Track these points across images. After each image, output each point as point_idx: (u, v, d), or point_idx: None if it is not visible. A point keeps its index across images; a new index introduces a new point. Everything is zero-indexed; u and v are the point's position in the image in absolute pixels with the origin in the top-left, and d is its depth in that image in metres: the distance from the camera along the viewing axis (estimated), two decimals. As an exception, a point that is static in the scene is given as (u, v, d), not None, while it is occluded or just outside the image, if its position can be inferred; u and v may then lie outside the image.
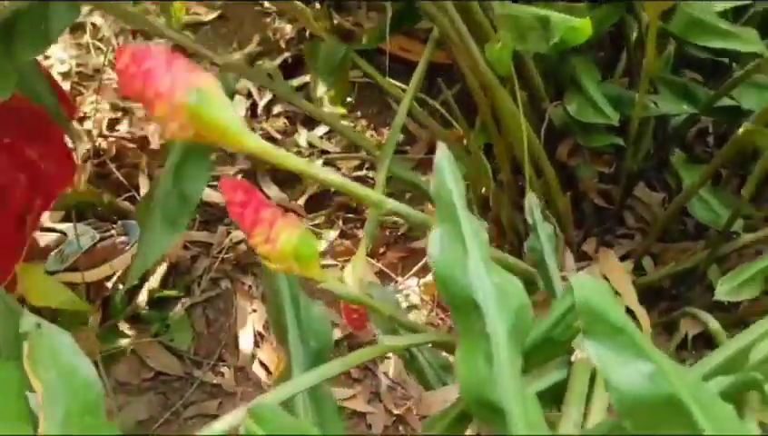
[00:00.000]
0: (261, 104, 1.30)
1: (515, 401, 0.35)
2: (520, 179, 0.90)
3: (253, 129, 1.24)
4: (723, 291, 0.69)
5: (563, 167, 0.99)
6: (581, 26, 0.65)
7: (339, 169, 1.22)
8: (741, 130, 0.71)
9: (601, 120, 0.82)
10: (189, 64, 0.35)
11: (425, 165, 1.18)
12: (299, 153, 1.21)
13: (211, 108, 0.34)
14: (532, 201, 0.71)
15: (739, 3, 0.81)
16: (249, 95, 1.31)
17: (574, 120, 0.86)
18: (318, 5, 1.24)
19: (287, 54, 1.34)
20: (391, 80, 0.99)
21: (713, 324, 0.74)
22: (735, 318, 0.83)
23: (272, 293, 0.52)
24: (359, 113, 1.29)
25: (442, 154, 0.43)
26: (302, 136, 1.26)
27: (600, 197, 1.02)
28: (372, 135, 1.27)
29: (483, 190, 0.98)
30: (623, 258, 1.00)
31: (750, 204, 0.81)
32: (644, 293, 0.95)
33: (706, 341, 0.88)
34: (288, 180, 1.19)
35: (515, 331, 0.38)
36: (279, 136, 1.26)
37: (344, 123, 1.24)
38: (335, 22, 1.29)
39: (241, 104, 1.29)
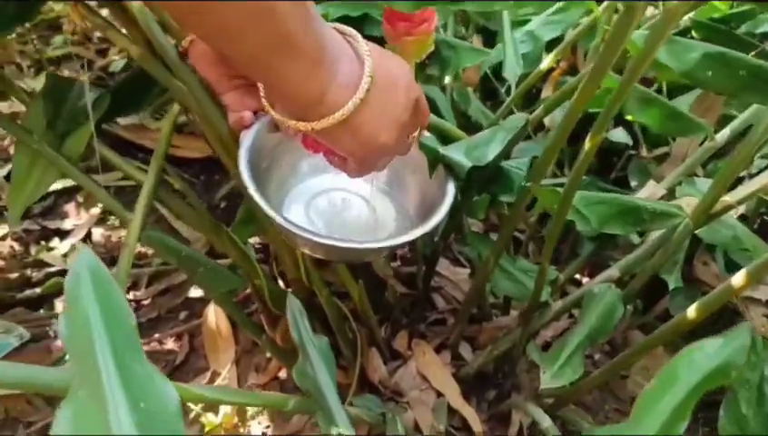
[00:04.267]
0: None
1: None
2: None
3: None
4: (547, 379, 0.57)
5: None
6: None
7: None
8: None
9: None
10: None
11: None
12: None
13: None
14: (293, 305, 0.54)
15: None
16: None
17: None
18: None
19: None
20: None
21: (544, 420, 0.62)
22: (569, 391, 0.71)
23: None
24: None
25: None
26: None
27: (401, 283, 0.89)
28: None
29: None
30: (439, 348, 0.86)
31: (553, 269, 0.71)
32: (468, 384, 0.83)
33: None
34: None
35: None
36: None
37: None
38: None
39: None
